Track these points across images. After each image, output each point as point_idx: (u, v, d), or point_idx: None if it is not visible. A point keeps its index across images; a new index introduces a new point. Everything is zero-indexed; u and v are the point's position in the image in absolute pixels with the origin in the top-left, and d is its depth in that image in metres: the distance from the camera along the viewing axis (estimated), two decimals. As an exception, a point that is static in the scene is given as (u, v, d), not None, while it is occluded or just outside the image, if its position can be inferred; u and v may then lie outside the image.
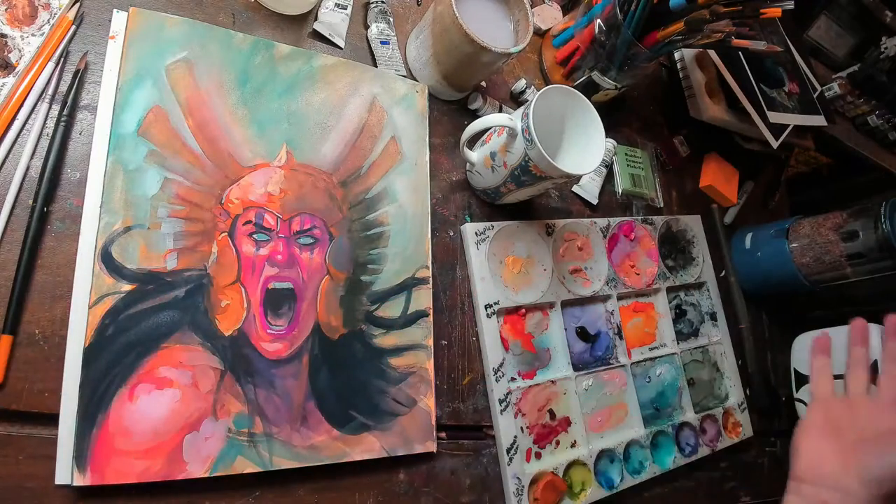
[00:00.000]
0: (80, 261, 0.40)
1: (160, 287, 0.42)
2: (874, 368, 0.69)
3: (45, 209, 0.40)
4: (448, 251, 0.58)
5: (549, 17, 0.73)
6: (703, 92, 0.77)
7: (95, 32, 0.46)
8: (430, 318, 0.54)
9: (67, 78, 0.44)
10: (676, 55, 0.79)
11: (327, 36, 0.56)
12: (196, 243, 0.44)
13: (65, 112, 0.42)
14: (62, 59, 0.44)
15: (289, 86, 0.51)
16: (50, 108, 0.43)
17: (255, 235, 0.47)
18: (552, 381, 0.58)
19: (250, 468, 0.42)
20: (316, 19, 0.56)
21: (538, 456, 0.56)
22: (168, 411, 0.40)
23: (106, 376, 0.39)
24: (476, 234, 0.58)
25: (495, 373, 0.55)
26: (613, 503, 0.59)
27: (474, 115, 0.64)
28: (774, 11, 0.62)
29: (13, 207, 0.40)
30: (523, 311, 0.59)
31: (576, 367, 0.60)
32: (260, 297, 0.46)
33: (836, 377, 0.74)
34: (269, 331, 0.46)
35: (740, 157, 0.86)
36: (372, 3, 0.60)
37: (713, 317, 0.76)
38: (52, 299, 0.40)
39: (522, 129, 0.51)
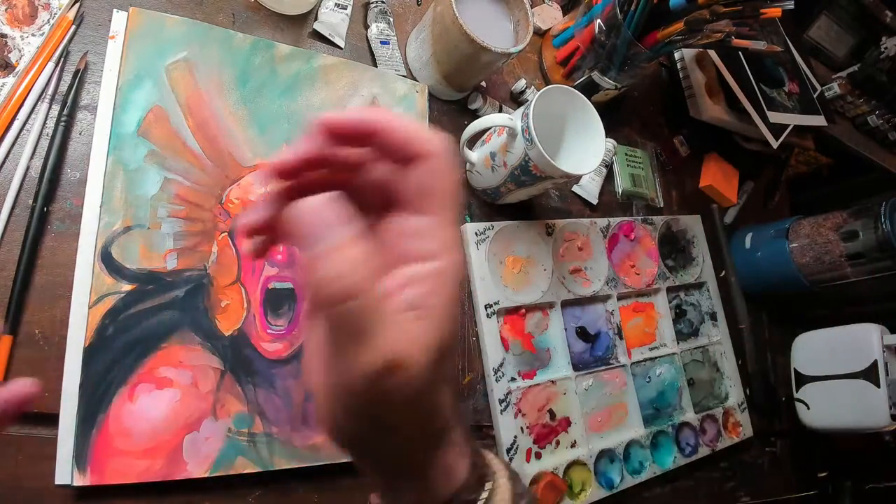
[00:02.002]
0: (80, 261, 0.40)
1: (160, 287, 0.42)
2: (874, 368, 0.69)
3: (45, 209, 0.40)
4: (448, 251, 0.57)
5: (549, 17, 0.73)
6: (703, 92, 0.77)
7: (95, 32, 0.45)
8: (430, 318, 0.53)
9: (67, 78, 0.44)
10: (676, 55, 0.79)
11: (327, 36, 0.56)
12: (196, 243, 0.44)
13: (65, 112, 0.42)
14: (62, 59, 0.44)
15: (289, 86, 0.51)
16: (50, 108, 0.42)
17: (255, 235, 0.47)
18: (552, 381, 0.58)
19: (250, 468, 0.42)
20: (316, 19, 0.56)
21: (538, 456, 0.56)
22: (168, 411, 0.40)
23: (106, 376, 0.39)
24: (476, 234, 0.58)
25: (495, 373, 0.55)
26: (613, 503, 0.59)
27: (474, 115, 0.64)
28: (774, 11, 0.62)
29: (13, 207, 0.40)
30: (523, 311, 0.59)
31: (576, 367, 0.60)
32: (260, 297, 0.46)
33: (830, 378, 0.74)
34: (269, 331, 0.46)
35: (740, 157, 0.86)
36: (372, 3, 0.60)
37: (713, 317, 0.76)
38: (52, 299, 0.40)
39: (522, 129, 0.51)
